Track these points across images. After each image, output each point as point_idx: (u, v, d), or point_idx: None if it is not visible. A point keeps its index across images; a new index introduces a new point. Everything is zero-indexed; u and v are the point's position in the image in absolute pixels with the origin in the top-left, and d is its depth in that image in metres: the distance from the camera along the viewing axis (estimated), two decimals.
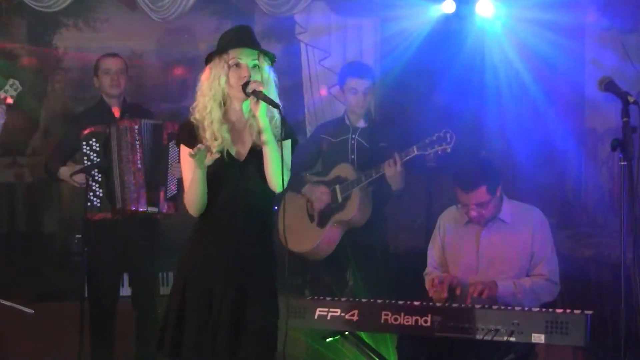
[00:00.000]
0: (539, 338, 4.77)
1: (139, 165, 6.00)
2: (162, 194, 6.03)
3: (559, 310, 4.80)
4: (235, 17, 7.44)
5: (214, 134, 4.24)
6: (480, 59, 7.12)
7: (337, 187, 6.16)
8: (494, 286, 5.19)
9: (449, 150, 5.71)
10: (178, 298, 4.31)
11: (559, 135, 6.76)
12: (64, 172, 6.24)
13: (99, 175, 6.05)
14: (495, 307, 4.98)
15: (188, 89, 7.62)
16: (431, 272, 5.64)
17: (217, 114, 4.26)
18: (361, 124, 6.32)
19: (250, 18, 7.32)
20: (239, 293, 4.26)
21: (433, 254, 5.69)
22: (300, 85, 7.31)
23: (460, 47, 7.06)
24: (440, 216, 5.73)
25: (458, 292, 5.28)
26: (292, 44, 7.43)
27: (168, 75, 7.77)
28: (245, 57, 4.25)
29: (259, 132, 4.23)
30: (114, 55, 6.43)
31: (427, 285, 5.47)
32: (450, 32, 7.10)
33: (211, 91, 4.26)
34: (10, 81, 6.17)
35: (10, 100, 6.13)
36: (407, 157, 5.88)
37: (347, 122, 6.36)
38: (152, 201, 6.05)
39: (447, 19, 7.07)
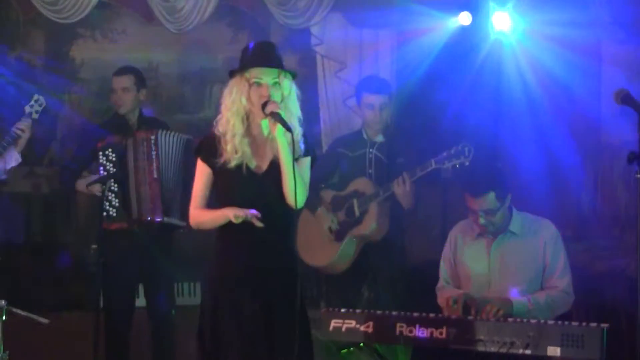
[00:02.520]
0: (554, 351, 4.78)
1: (155, 176, 6.02)
2: (178, 204, 6.03)
3: (575, 323, 4.81)
4: (251, 29, 7.49)
5: (235, 147, 4.31)
6: (496, 72, 7.12)
7: (355, 201, 6.16)
8: (509, 304, 5.19)
9: (467, 163, 5.70)
10: (209, 315, 4.36)
11: (574, 149, 6.76)
12: (81, 184, 6.28)
13: (115, 186, 6.07)
14: (510, 319, 4.98)
15: (204, 100, 7.69)
16: (443, 287, 5.64)
17: (239, 128, 4.33)
18: (379, 138, 6.31)
19: (266, 29, 7.35)
20: (267, 308, 4.30)
21: (444, 267, 5.71)
22: (315, 97, 7.31)
23: (477, 59, 7.07)
24: (451, 230, 5.74)
25: (473, 312, 5.28)
26: (307, 56, 7.43)
27: (184, 87, 7.79)
28: (266, 77, 4.32)
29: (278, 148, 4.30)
30: (120, 73, 6.43)
31: (441, 302, 5.47)
32: (466, 44, 7.10)
33: (234, 107, 4.34)
34: (35, 97, 6.23)
35: (35, 116, 6.21)
36: (425, 171, 5.88)
37: (365, 136, 6.35)
38: (168, 211, 6.07)
39: (463, 31, 7.09)
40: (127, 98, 6.36)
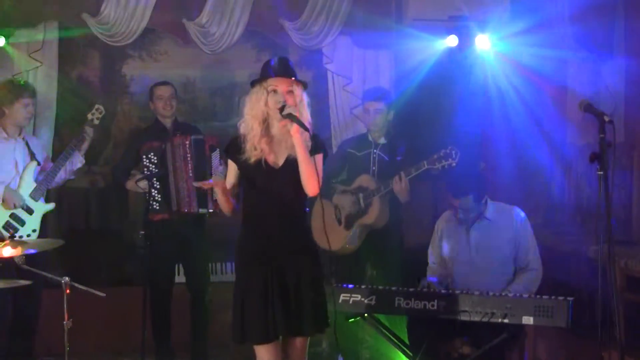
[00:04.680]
0: (528, 320, 4.81)
1: (190, 174, 6.02)
2: (208, 196, 6.03)
3: (546, 297, 4.82)
4: (273, 49, 7.46)
5: (255, 145, 4.34)
6: (480, 85, 7.13)
7: (360, 195, 6.14)
8: None
9: (454, 164, 5.66)
10: (238, 292, 4.36)
11: (544, 149, 6.76)
12: (130, 183, 6.30)
13: (158, 183, 6.08)
14: (491, 293, 4.99)
15: (233, 110, 7.70)
16: (431, 267, 5.67)
17: (257, 129, 4.34)
18: (382, 140, 6.28)
19: (285, 50, 7.32)
20: (287, 279, 4.30)
21: (432, 252, 5.73)
22: (327, 106, 7.30)
23: (462, 75, 7.07)
24: (438, 220, 5.77)
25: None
26: (320, 72, 7.43)
27: (216, 98, 7.79)
28: (281, 85, 4.33)
29: (293, 146, 4.30)
30: (164, 83, 6.47)
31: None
32: (453, 61, 7.10)
33: (253, 111, 4.36)
34: (96, 106, 6.29)
35: (96, 122, 6.25)
36: (419, 171, 5.85)
37: (370, 138, 6.33)
38: (202, 203, 6.07)
39: (451, 50, 7.08)
40: (174, 103, 6.39)
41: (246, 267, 4.38)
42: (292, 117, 4.24)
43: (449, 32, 7.05)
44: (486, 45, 6.98)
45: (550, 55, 6.57)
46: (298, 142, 4.25)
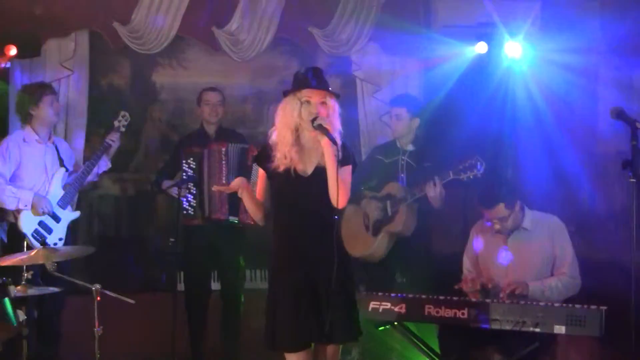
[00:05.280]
0: (560, 329, 4.74)
1: (224, 181, 6.03)
2: (241, 206, 6.02)
3: (578, 306, 4.75)
4: (301, 57, 7.47)
5: (285, 154, 4.34)
6: (509, 92, 7.07)
7: (388, 202, 6.12)
8: (525, 286, 5.15)
9: (479, 175, 5.60)
10: (270, 299, 4.36)
11: (576, 157, 6.70)
12: (165, 184, 6.34)
13: (194, 188, 6.12)
14: (522, 302, 4.93)
15: (262, 116, 7.69)
16: (465, 276, 5.61)
17: (289, 138, 4.35)
18: (410, 147, 6.26)
19: (313, 57, 7.32)
20: (318, 287, 4.28)
21: (467, 261, 5.68)
22: (356, 113, 7.29)
23: (492, 81, 7.02)
24: (472, 228, 5.71)
25: (489, 286, 5.25)
26: (349, 80, 7.41)
27: (246, 106, 7.79)
28: (315, 96, 4.33)
29: (323, 155, 4.30)
30: (213, 89, 6.53)
31: (463, 285, 5.43)
32: (483, 68, 7.05)
33: (286, 120, 4.36)
34: (122, 113, 6.34)
35: (122, 129, 6.28)
36: (445, 180, 5.81)
37: (398, 145, 6.31)
38: (233, 211, 6.07)
39: (480, 58, 7.03)
40: (220, 109, 6.42)
41: (278, 275, 4.37)
42: (323, 130, 4.25)
43: (478, 38, 7.00)
44: (516, 52, 6.92)
45: (581, 61, 6.51)
46: (328, 155, 4.26)
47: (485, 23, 7.08)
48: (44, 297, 5.60)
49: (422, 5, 7.29)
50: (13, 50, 6.53)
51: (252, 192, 4.49)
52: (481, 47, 6.99)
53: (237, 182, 4.47)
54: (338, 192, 4.25)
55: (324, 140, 4.25)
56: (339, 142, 4.27)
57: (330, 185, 4.28)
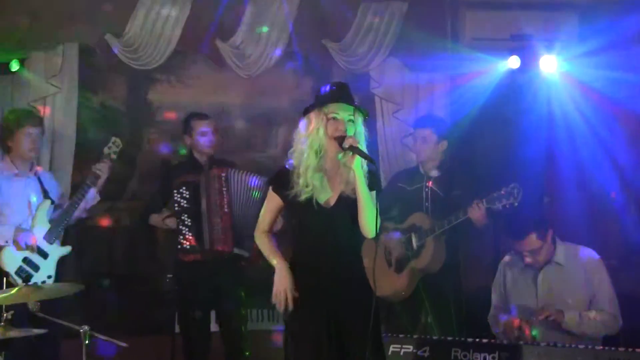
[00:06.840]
0: None
1: (226, 209, 6.04)
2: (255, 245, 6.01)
3: (622, 349, 4.72)
4: (315, 73, 7.48)
5: (307, 181, 4.31)
6: (544, 111, 7.08)
7: (413, 235, 6.10)
8: (561, 315, 5.15)
9: (516, 204, 5.60)
10: (290, 337, 4.37)
11: (617, 181, 6.69)
12: (154, 218, 6.33)
13: (189, 220, 6.10)
14: (560, 344, 4.91)
15: (271, 140, 7.70)
16: (495, 315, 5.60)
17: (313, 161, 4.33)
18: (434, 173, 6.25)
19: (328, 74, 7.33)
20: (342, 326, 4.29)
21: (495, 296, 5.67)
22: (374, 135, 7.28)
23: (525, 100, 7.03)
24: (501, 262, 5.71)
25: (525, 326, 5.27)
26: (367, 98, 7.39)
27: (253, 127, 7.81)
28: (343, 112, 4.34)
29: (347, 182, 4.30)
30: (204, 116, 6.43)
31: (500, 329, 5.41)
32: (515, 86, 7.07)
33: (309, 140, 4.34)
34: (113, 139, 6.29)
35: (113, 157, 6.26)
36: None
37: (422, 170, 6.31)
38: (239, 242, 6.07)
39: (512, 73, 7.05)
40: (218, 138, 6.40)
41: (299, 313, 4.34)
42: (355, 150, 4.23)
43: (511, 52, 7.03)
44: (552, 67, 6.94)
45: (622, 78, 6.52)
46: (359, 178, 4.24)
47: (518, 35, 7.09)
48: (39, 342, 5.57)
49: (449, 16, 7.29)
50: None
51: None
52: (514, 62, 7.02)
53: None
54: (377, 219, 4.22)
55: (355, 162, 4.22)
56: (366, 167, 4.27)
57: (365, 213, 4.25)
